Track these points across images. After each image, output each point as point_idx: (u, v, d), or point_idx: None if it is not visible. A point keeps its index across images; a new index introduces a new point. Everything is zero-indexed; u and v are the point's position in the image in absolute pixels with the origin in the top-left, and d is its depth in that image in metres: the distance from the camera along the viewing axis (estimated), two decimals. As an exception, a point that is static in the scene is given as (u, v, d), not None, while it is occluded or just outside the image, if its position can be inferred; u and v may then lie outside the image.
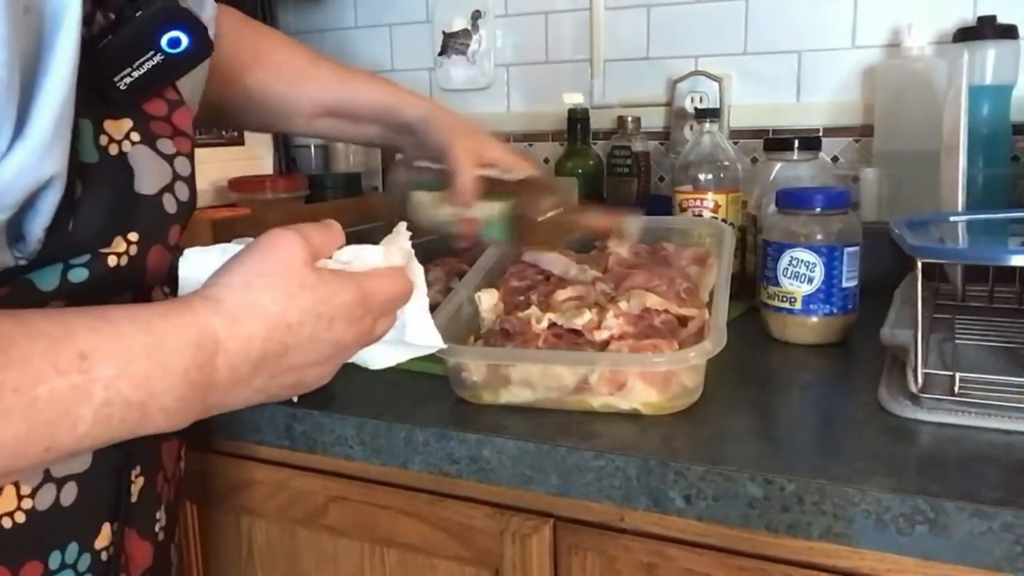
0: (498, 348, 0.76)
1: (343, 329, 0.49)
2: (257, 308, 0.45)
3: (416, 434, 0.69)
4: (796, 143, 1.04)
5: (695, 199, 1.05)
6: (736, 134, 1.32)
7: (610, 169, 1.34)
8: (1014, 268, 0.89)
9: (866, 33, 1.24)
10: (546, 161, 1.47)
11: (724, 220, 1.04)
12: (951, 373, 0.67)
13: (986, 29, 1.08)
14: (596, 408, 0.70)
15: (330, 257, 0.52)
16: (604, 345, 0.73)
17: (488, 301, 0.83)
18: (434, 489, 0.73)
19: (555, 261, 0.89)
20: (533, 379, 0.71)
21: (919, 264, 0.67)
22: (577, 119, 1.35)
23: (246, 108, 0.88)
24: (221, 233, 1.11)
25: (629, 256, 0.89)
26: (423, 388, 0.78)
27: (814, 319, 0.86)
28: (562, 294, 0.82)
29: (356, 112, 0.90)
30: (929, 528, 0.53)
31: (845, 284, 0.85)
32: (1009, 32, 1.08)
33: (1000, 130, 1.09)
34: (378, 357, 0.59)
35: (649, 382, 0.68)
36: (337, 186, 1.45)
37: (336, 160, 1.61)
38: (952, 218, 0.82)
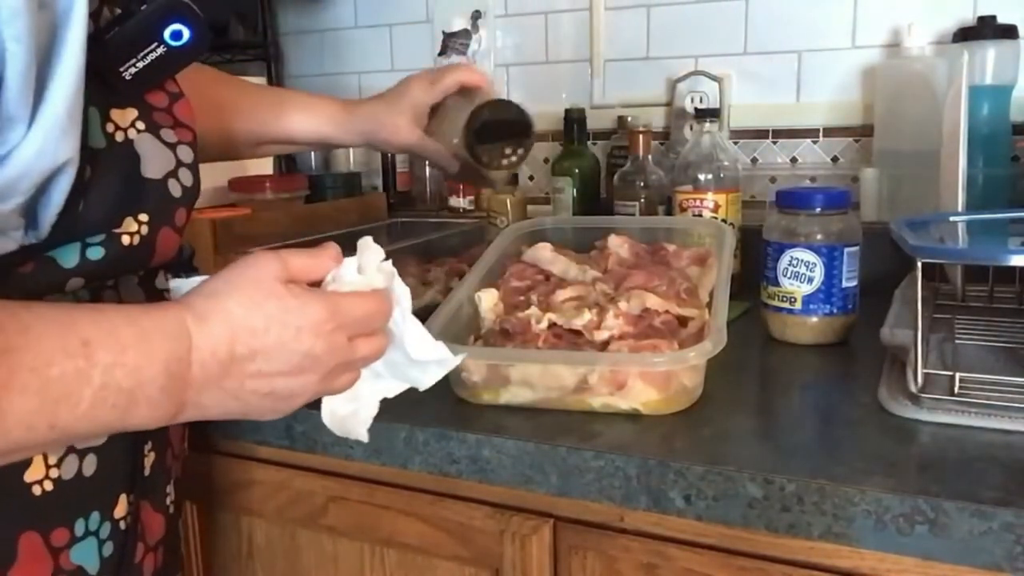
0: (498, 348, 0.76)
1: (311, 341, 0.51)
2: (223, 311, 0.49)
3: (416, 434, 0.69)
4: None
5: (695, 199, 1.05)
6: (736, 134, 1.32)
7: (610, 169, 1.34)
8: (1014, 268, 0.89)
9: (866, 33, 1.23)
10: (546, 161, 1.47)
11: (724, 220, 1.04)
12: (951, 373, 0.67)
13: (986, 29, 1.08)
14: (596, 408, 0.70)
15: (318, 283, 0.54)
16: (604, 345, 0.73)
17: (488, 301, 0.83)
18: (434, 489, 0.73)
19: (555, 261, 0.89)
20: (533, 379, 0.71)
21: (919, 264, 0.67)
22: (573, 119, 1.34)
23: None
24: (221, 233, 1.10)
25: (629, 256, 0.89)
26: (423, 388, 0.78)
27: (814, 319, 0.86)
28: (562, 294, 0.81)
29: (292, 141, 0.95)
30: (929, 528, 0.53)
31: (845, 284, 0.85)
32: (1009, 32, 1.08)
33: (1000, 130, 1.09)
34: (415, 380, 0.60)
35: (649, 382, 0.68)
36: (337, 186, 1.45)
37: (336, 160, 1.61)
38: (952, 218, 0.82)
